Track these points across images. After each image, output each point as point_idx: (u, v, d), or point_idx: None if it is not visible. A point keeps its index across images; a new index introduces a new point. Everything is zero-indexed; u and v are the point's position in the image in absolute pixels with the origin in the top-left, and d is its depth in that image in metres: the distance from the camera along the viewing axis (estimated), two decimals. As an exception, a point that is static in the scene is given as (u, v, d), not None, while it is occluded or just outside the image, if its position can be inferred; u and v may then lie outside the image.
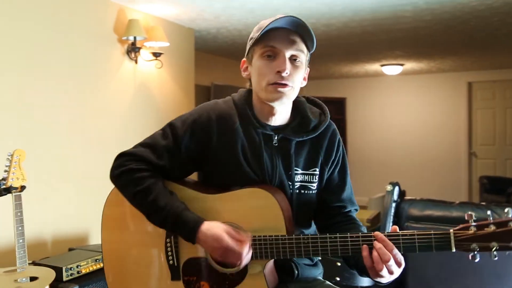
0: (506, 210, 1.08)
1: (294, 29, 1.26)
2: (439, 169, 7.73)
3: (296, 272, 1.34)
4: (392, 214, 2.54)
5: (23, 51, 2.76)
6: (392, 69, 6.90)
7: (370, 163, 8.25)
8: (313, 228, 1.47)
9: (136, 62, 3.58)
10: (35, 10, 2.84)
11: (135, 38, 3.45)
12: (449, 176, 7.64)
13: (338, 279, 2.60)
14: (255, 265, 1.24)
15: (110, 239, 1.39)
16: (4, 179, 2.14)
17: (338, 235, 1.19)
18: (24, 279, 1.15)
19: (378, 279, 1.18)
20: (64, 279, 2.44)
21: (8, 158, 2.15)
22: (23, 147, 2.62)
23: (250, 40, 1.32)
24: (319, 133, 1.35)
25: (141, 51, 3.60)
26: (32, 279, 1.16)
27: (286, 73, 1.24)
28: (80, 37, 3.16)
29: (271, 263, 1.28)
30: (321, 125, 1.36)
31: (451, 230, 1.11)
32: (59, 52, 3.00)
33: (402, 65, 6.78)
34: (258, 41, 1.27)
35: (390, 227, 2.54)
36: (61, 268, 2.44)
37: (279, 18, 1.24)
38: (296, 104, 1.37)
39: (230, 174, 1.31)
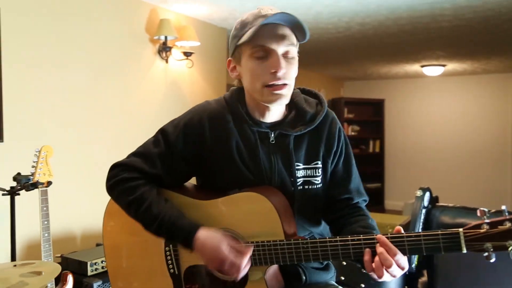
0: None
1: (282, 23, 1.17)
2: (482, 175, 7.39)
3: (304, 277, 1.28)
4: (421, 221, 2.42)
5: (56, 51, 2.84)
6: (433, 70, 6.65)
7: (408, 166, 8.00)
8: (322, 227, 1.39)
9: (167, 61, 3.62)
10: (69, 11, 2.92)
11: (166, 37, 3.48)
12: (494, 182, 7.29)
13: (363, 286, 2.51)
14: (256, 272, 1.20)
15: (113, 249, 1.39)
16: (31, 174, 2.21)
17: (338, 238, 1.12)
18: (33, 272, 1.16)
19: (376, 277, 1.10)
20: (89, 273, 2.49)
21: (36, 154, 2.21)
22: (54, 143, 2.70)
23: (234, 39, 1.24)
24: (317, 124, 1.29)
25: (172, 50, 3.63)
26: (39, 273, 1.16)
27: (282, 72, 1.17)
28: (113, 36, 3.22)
29: (274, 268, 1.23)
30: (319, 115, 1.29)
31: (461, 230, 1.01)
32: (91, 51, 3.07)
33: (443, 66, 6.52)
34: (245, 40, 1.18)
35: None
36: (86, 263, 2.49)
37: (269, 16, 1.15)
38: (291, 96, 1.29)
39: (226, 175, 1.26)
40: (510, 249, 0.97)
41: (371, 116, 8.14)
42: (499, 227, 0.99)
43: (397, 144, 8.13)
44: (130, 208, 1.24)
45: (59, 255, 2.69)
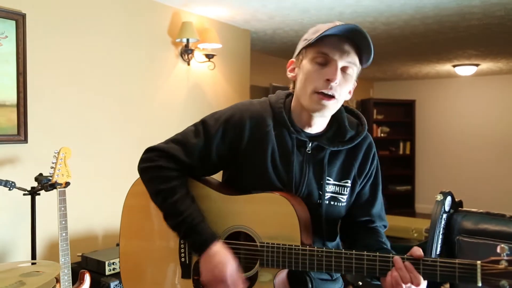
0: None
1: (351, 39, 1.19)
2: (518, 179, 7.09)
3: (310, 286, 1.27)
4: (442, 226, 2.34)
5: (79, 54, 2.91)
6: (465, 70, 6.43)
7: (440, 169, 7.76)
8: (336, 242, 1.39)
9: (188, 64, 3.65)
10: (93, 16, 2.99)
11: (188, 40, 3.52)
12: (531, 186, 6.98)
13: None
14: (266, 273, 1.20)
15: (129, 229, 1.40)
16: (51, 175, 2.27)
17: (354, 252, 1.12)
18: (34, 272, 1.19)
19: None
20: (107, 273, 2.53)
21: (55, 156, 2.27)
22: (77, 145, 2.78)
23: (303, 41, 1.26)
24: (355, 144, 1.29)
25: (194, 53, 3.66)
26: (39, 273, 1.18)
27: (336, 83, 1.18)
28: (135, 40, 3.28)
29: (283, 274, 1.22)
30: (358, 136, 1.29)
31: (479, 262, 1.01)
32: (114, 54, 3.13)
33: (477, 65, 6.30)
34: (312, 44, 1.20)
35: (440, 240, 2.35)
36: (104, 263, 2.54)
37: (339, 25, 1.17)
38: (335, 112, 1.30)
39: (254, 177, 1.27)
40: None
41: (401, 118, 7.95)
42: None
43: (428, 146, 7.91)
44: (159, 197, 1.26)
45: (80, 254, 2.75)
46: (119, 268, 1.43)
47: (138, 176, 1.34)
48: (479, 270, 1.00)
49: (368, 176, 1.33)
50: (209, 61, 3.76)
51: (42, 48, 2.70)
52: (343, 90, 1.21)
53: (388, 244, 1.31)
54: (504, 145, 7.24)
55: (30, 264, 1.30)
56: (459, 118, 7.63)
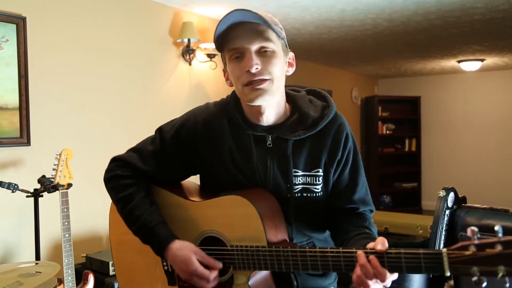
0: None
1: (251, 20, 1.14)
2: (526, 174, 7.03)
3: (295, 282, 1.24)
4: (445, 222, 2.32)
5: (80, 56, 2.93)
6: (470, 65, 6.38)
7: (445, 166, 7.71)
8: (327, 233, 1.36)
9: (190, 64, 3.66)
10: (93, 18, 3.00)
11: (189, 40, 3.52)
12: (539, 182, 6.92)
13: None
14: (240, 276, 1.19)
15: (117, 244, 1.43)
16: (53, 177, 2.28)
17: (318, 249, 1.07)
18: (33, 273, 1.19)
19: None
20: (111, 273, 2.54)
21: (56, 157, 2.28)
22: (80, 146, 2.79)
23: (216, 49, 1.26)
24: (320, 129, 1.23)
25: (196, 52, 3.66)
26: (38, 274, 1.19)
27: (256, 68, 1.15)
28: (136, 41, 3.29)
29: (260, 274, 1.20)
30: (322, 120, 1.23)
31: (444, 250, 0.90)
32: (115, 56, 3.14)
33: (482, 60, 6.25)
34: (222, 47, 1.20)
35: (443, 237, 2.33)
36: (108, 263, 2.55)
37: (226, 16, 1.14)
38: (293, 98, 1.27)
39: (220, 178, 1.27)
40: (500, 275, 0.86)
41: (407, 114, 7.91)
42: (488, 250, 0.87)
43: (434, 143, 7.86)
44: (118, 205, 1.29)
45: (84, 254, 2.77)
46: (117, 279, 1.45)
47: None
48: (445, 259, 0.90)
49: (343, 162, 1.26)
50: (210, 60, 3.76)
51: (43, 51, 2.71)
52: (273, 69, 1.17)
53: (373, 229, 1.25)
54: (509, 142, 7.17)
55: (30, 264, 1.31)
56: (464, 114, 7.58)
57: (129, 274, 1.41)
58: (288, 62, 1.25)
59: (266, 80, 1.17)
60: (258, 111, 1.24)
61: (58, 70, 2.80)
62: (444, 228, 2.30)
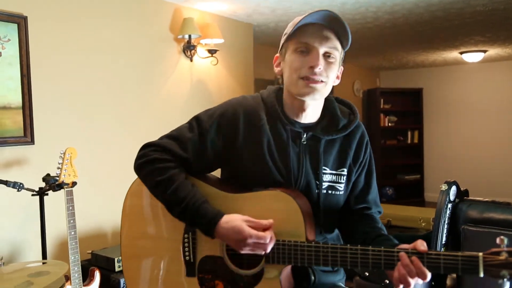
0: None
1: (328, 25, 1.22)
2: (529, 165, 7.02)
3: (313, 278, 1.30)
4: (447, 216, 2.33)
5: (82, 54, 2.94)
6: (473, 57, 6.35)
7: (448, 157, 7.71)
8: (335, 233, 1.41)
9: (191, 60, 3.66)
10: (94, 15, 3.01)
11: (190, 36, 3.52)
12: (542, 172, 6.91)
13: (387, 281, 2.46)
14: (272, 270, 1.22)
15: (130, 229, 1.41)
16: (57, 175, 2.30)
17: (359, 247, 1.14)
18: (41, 272, 1.22)
19: None
20: (116, 269, 2.58)
21: (61, 156, 2.30)
22: (83, 144, 2.81)
23: (284, 36, 1.29)
24: (348, 133, 1.33)
25: (197, 48, 3.67)
26: (47, 273, 1.21)
27: (319, 68, 1.21)
28: (138, 37, 3.29)
29: (288, 268, 1.24)
30: (351, 124, 1.33)
31: (481, 254, 1.04)
32: (117, 53, 3.15)
33: (484, 51, 6.22)
34: (292, 36, 1.24)
35: (445, 230, 2.34)
36: (114, 259, 2.58)
37: (313, 12, 1.20)
38: (326, 103, 1.35)
39: (254, 170, 1.28)
40: None
41: (409, 106, 7.89)
42: None
43: (437, 135, 7.85)
44: (158, 189, 1.27)
45: (90, 251, 2.80)
46: (122, 268, 1.44)
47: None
48: (481, 262, 1.02)
49: (363, 164, 1.37)
50: (212, 56, 3.77)
51: (44, 50, 2.72)
52: (330, 74, 1.24)
53: (384, 229, 1.33)
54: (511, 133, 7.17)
55: (38, 264, 1.33)
56: (467, 105, 7.56)
57: (138, 262, 1.39)
58: (338, 74, 1.32)
59: (322, 82, 1.23)
60: (301, 107, 1.29)
61: (60, 69, 2.81)
62: (446, 222, 2.31)
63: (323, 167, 1.30)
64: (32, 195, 2.37)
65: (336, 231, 1.41)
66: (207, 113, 1.33)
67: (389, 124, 7.72)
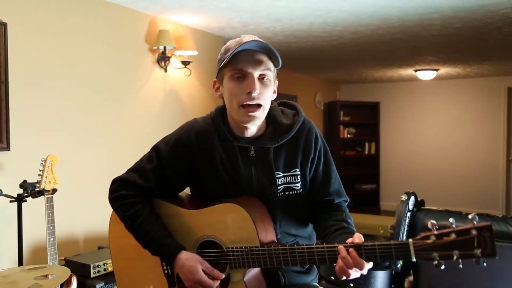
0: (470, 216, 1.06)
1: (259, 50, 1.32)
2: (475, 177, 7.53)
3: (283, 279, 1.41)
4: (406, 223, 2.56)
5: (59, 62, 2.97)
6: (426, 74, 6.79)
7: (402, 168, 8.13)
8: (310, 230, 1.52)
9: (165, 70, 3.75)
10: (71, 25, 3.05)
11: (165, 47, 3.62)
12: (487, 184, 7.43)
13: (351, 285, 2.64)
14: (236, 274, 1.35)
15: (117, 252, 1.55)
16: (37, 182, 2.34)
17: (305, 246, 1.26)
18: (46, 275, 1.29)
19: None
20: (92, 275, 2.61)
21: (42, 163, 2.34)
22: (58, 151, 2.83)
23: (218, 62, 1.39)
24: (294, 134, 1.41)
25: (171, 59, 3.76)
26: (50, 276, 1.29)
27: (257, 92, 1.31)
28: (114, 47, 3.35)
29: (253, 272, 1.37)
30: (295, 125, 1.42)
31: (410, 240, 1.12)
32: (93, 62, 3.20)
33: (436, 70, 6.66)
34: (227, 64, 1.33)
35: (405, 237, 2.56)
36: (89, 265, 2.62)
37: (244, 43, 1.31)
38: (269, 111, 1.43)
39: (212, 185, 1.42)
40: (455, 258, 1.07)
41: (367, 119, 8.27)
42: (445, 238, 1.08)
43: (392, 146, 8.27)
44: (126, 222, 1.43)
45: (63, 258, 2.82)
46: (117, 285, 1.56)
47: (111, 178, 1.50)
48: (411, 247, 1.10)
49: (316, 159, 1.45)
50: (185, 67, 3.87)
51: (23, 56, 2.74)
52: (267, 96, 1.35)
53: (351, 220, 1.42)
54: (461, 146, 7.67)
55: (35, 267, 1.40)
56: (421, 118, 8.02)
57: (129, 279, 1.52)
58: (274, 89, 1.43)
59: (260, 106, 1.34)
60: (244, 128, 1.41)
61: (38, 75, 2.84)
62: (406, 229, 2.53)
63: (276, 172, 1.40)
64: (11, 201, 2.38)
65: (310, 229, 1.52)
66: (164, 141, 1.47)
67: (348, 135, 8.05)
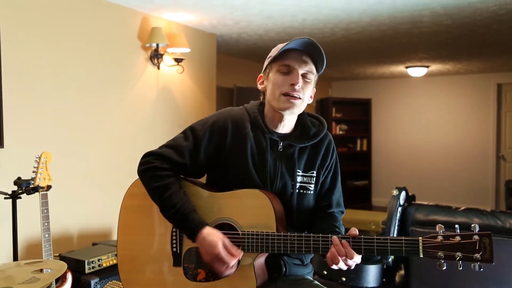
0: (472, 225, 1.20)
1: (306, 51, 1.46)
2: (465, 173, 7.62)
3: (284, 269, 1.50)
4: (397, 218, 2.60)
5: (52, 60, 2.97)
6: (417, 71, 6.85)
7: (394, 164, 8.21)
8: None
9: (158, 67, 3.76)
10: (64, 22, 3.05)
11: (157, 45, 3.63)
12: (476, 179, 7.53)
13: (344, 279, 2.69)
14: (247, 258, 1.41)
15: (125, 226, 1.57)
16: (32, 179, 2.34)
17: (303, 234, 1.37)
18: (41, 270, 1.31)
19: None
20: (86, 271, 2.63)
21: (36, 160, 2.35)
22: (51, 148, 2.84)
23: (268, 58, 1.52)
24: (318, 140, 1.55)
25: (164, 57, 3.77)
26: (47, 270, 1.31)
27: (299, 86, 1.44)
28: (107, 45, 3.36)
29: (261, 259, 1.44)
30: (320, 133, 1.56)
31: (421, 238, 1.25)
32: (86, 59, 3.20)
33: (427, 67, 6.72)
34: (275, 59, 1.48)
35: (396, 231, 2.61)
36: (84, 261, 2.64)
37: (295, 39, 1.43)
38: (299, 116, 1.57)
39: (237, 173, 1.49)
40: (457, 259, 1.21)
41: (358, 116, 8.32)
42: (451, 239, 1.23)
43: (383, 143, 8.33)
44: (155, 192, 1.46)
45: (57, 254, 2.83)
46: (117, 260, 1.58)
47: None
48: (421, 244, 1.24)
49: (329, 167, 1.58)
50: (178, 64, 3.89)
51: (17, 55, 2.75)
52: (306, 93, 1.48)
53: (342, 229, 1.55)
54: (452, 142, 7.75)
55: (31, 261, 1.42)
56: (412, 115, 8.09)
57: (131, 255, 1.54)
58: (311, 94, 1.54)
59: (300, 98, 1.46)
60: (280, 119, 1.52)
61: (31, 73, 2.84)
62: (397, 224, 2.58)
63: (297, 170, 1.51)
64: (5, 198, 2.39)
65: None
66: (200, 123, 1.54)
67: (340, 132, 8.10)
